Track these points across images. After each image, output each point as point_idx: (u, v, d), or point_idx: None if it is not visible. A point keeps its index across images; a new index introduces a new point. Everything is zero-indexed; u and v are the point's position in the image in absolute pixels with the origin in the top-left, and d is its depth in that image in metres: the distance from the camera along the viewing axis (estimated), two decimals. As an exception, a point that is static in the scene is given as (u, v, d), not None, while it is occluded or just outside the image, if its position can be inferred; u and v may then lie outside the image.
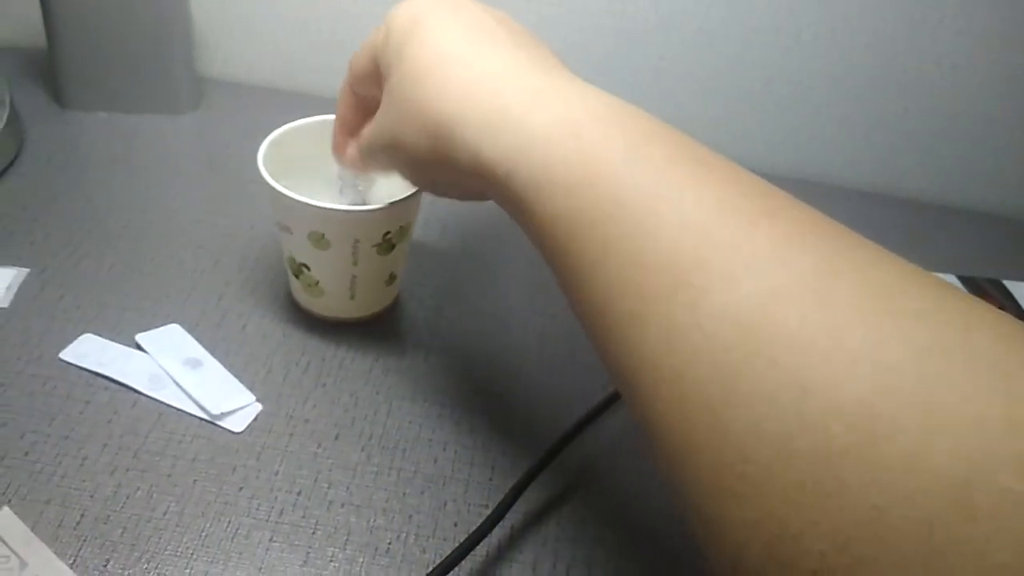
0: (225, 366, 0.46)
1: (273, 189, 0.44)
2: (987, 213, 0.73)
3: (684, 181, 0.28)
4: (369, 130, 0.40)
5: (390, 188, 0.46)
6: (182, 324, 0.48)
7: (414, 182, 0.41)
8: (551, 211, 0.30)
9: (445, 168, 0.34)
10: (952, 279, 0.55)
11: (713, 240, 0.26)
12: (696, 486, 0.25)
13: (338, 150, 0.46)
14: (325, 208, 0.43)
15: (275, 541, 0.39)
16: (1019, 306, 0.53)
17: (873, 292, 0.24)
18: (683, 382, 0.25)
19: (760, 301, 0.24)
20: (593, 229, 0.28)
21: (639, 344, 0.27)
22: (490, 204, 0.35)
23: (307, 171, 0.48)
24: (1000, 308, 0.52)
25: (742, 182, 0.28)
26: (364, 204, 0.47)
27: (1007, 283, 0.55)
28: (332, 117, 0.49)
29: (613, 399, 0.46)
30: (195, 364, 0.46)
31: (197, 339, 0.48)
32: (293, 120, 0.49)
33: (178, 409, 0.44)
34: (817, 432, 0.22)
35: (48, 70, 0.65)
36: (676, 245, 0.26)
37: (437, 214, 0.60)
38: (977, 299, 0.24)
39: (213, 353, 0.47)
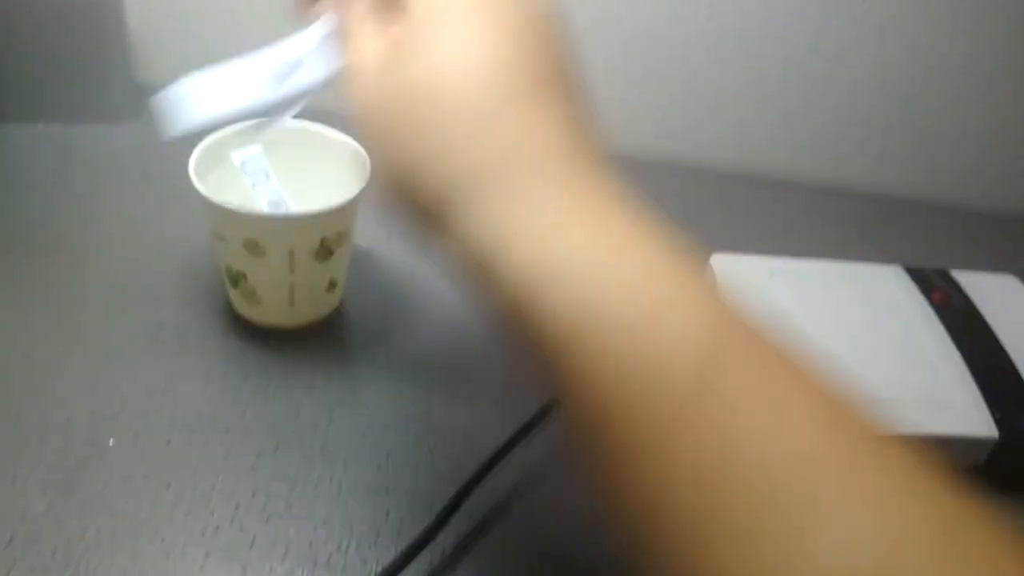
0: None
1: (205, 197, 0.43)
2: (933, 203, 0.73)
3: (766, 395, 0.23)
4: (367, 78, 0.30)
5: (314, 183, 0.45)
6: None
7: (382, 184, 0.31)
8: (602, 389, 0.24)
9: (446, 237, 0.28)
10: (899, 270, 0.54)
11: (816, 475, 0.22)
12: None
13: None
14: (257, 215, 0.42)
15: (211, 558, 0.38)
16: (966, 296, 0.53)
17: None
18: None
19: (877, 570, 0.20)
20: (655, 429, 0.23)
21: (703, 546, 0.22)
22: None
23: (242, 177, 0.47)
24: (947, 297, 0.52)
25: (825, 404, 0.23)
26: (279, 197, 0.45)
27: (954, 272, 0.54)
28: (264, 121, 0.48)
29: (551, 407, 0.45)
30: None
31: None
32: (229, 125, 0.48)
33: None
34: None
35: (-18, 81, 0.64)
36: (766, 457, 0.22)
37: (381, 219, 0.59)
38: None
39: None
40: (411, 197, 0.29)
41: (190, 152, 0.45)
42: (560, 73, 0.29)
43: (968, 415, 0.45)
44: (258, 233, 0.43)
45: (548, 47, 0.29)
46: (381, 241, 0.58)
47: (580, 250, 0.25)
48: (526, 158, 0.27)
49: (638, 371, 0.23)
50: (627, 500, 0.25)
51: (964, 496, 0.22)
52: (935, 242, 0.67)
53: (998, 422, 0.44)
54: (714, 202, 0.66)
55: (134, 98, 0.67)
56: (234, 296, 0.49)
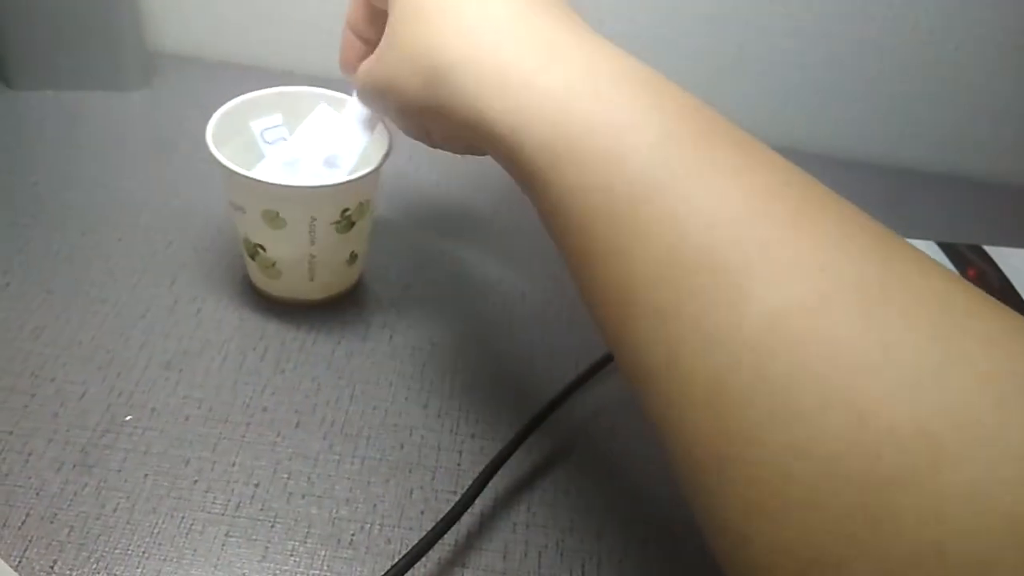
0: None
1: (222, 166, 0.41)
2: (966, 178, 0.72)
3: (719, 165, 0.25)
4: (364, 68, 0.36)
5: (333, 151, 0.44)
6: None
7: (405, 130, 0.37)
8: (567, 183, 0.27)
9: (440, 119, 0.31)
10: (932, 246, 0.53)
11: (756, 236, 0.23)
12: (724, 500, 0.23)
13: (346, 65, 0.41)
14: (278, 185, 0.41)
15: (231, 536, 0.37)
16: (1000, 272, 0.51)
17: (932, 308, 0.21)
18: (721, 389, 0.23)
19: (808, 309, 0.22)
20: (618, 210, 0.25)
21: (670, 343, 0.24)
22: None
23: (260, 145, 0.45)
24: (982, 274, 0.51)
25: (780, 169, 0.26)
26: (296, 164, 0.44)
27: (988, 248, 0.53)
28: (283, 89, 0.47)
29: (582, 381, 0.44)
30: None
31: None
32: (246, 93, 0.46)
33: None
34: (869, 456, 0.20)
35: (-9, 48, 0.62)
36: (715, 238, 0.24)
37: (402, 189, 0.58)
38: None
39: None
40: (416, 81, 0.32)
41: (204, 121, 0.44)
42: None
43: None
44: (277, 203, 0.42)
45: None
46: (401, 212, 0.56)
47: (546, 92, 0.28)
48: (489, 38, 0.29)
49: (601, 160, 0.26)
50: (601, 285, 0.27)
51: (896, 240, 0.24)
52: (969, 217, 0.66)
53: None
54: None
55: (146, 66, 0.65)
56: (252, 269, 0.47)
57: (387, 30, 0.33)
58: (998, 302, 0.22)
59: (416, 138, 0.37)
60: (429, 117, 0.32)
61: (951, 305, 0.22)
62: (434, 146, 0.37)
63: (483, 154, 0.33)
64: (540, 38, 0.29)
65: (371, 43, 0.39)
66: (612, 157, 0.26)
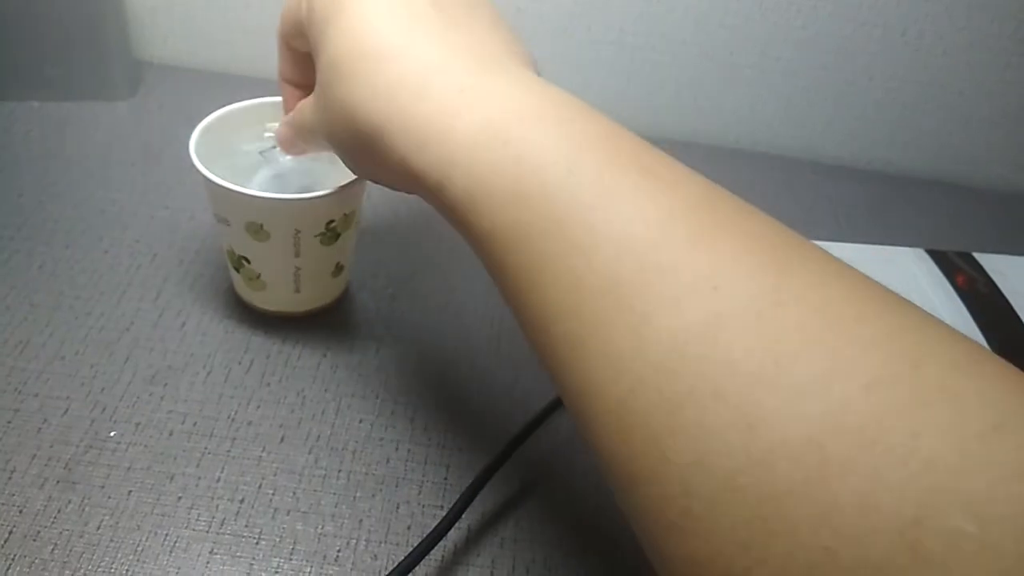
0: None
1: (206, 178, 0.41)
2: (956, 184, 0.72)
3: (624, 193, 0.26)
4: (302, 115, 0.37)
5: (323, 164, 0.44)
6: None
7: (354, 172, 0.38)
8: (487, 225, 0.28)
9: (378, 168, 0.32)
10: (921, 253, 0.53)
11: (654, 260, 0.24)
12: (642, 517, 0.24)
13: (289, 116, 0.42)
14: (261, 197, 0.41)
15: (216, 553, 0.37)
16: (989, 279, 0.51)
17: (822, 317, 0.22)
18: (627, 412, 0.23)
19: (704, 328, 0.23)
20: (529, 245, 0.26)
21: (582, 368, 0.25)
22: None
23: (247, 158, 0.45)
24: (971, 281, 0.51)
25: (689, 191, 0.26)
26: (282, 174, 0.44)
27: (978, 256, 0.53)
28: (268, 100, 0.46)
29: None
30: None
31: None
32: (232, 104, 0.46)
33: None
34: (764, 469, 0.21)
35: (-26, 58, 0.62)
36: (616, 265, 0.24)
37: (388, 198, 0.58)
38: (933, 318, 0.22)
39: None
40: (348, 139, 0.33)
41: (190, 130, 0.43)
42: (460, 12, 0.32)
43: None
44: (261, 216, 0.42)
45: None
46: (387, 221, 0.56)
47: (461, 141, 0.28)
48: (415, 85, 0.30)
49: (511, 199, 0.27)
50: (525, 317, 0.28)
51: (800, 249, 0.24)
52: (959, 223, 0.66)
53: None
54: (729, 182, 0.64)
55: (132, 75, 0.65)
56: (237, 281, 0.47)
57: (317, 84, 0.34)
58: (898, 299, 0.23)
59: (364, 178, 0.39)
60: (366, 164, 0.33)
61: (843, 312, 0.22)
62: (382, 185, 0.37)
63: None
64: (456, 87, 0.29)
65: (308, 87, 0.39)
66: (520, 197, 0.27)
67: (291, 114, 0.40)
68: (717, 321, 0.23)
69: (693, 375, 0.22)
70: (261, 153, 0.45)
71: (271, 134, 0.45)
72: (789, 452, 0.20)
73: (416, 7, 0.32)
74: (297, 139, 0.39)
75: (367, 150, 0.32)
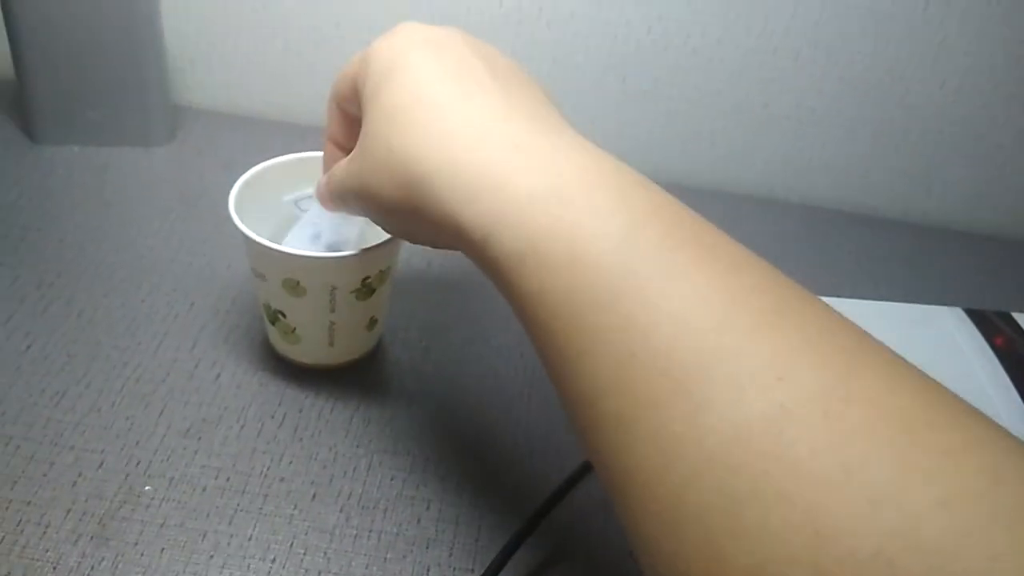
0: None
1: (244, 235, 0.42)
2: (994, 238, 0.71)
3: (684, 270, 0.25)
4: (341, 170, 0.37)
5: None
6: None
7: (386, 229, 0.38)
8: (535, 287, 0.27)
9: (416, 220, 0.32)
10: (959, 313, 0.52)
11: (716, 345, 0.23)
12: None
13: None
14: (298, 255, 0.41)
15: (247, 615, 0.37)
16: (1030, 340, 0.51)
17: (892, 421, 0.21)
18: (680, 503, 0.22)
19: (768, 422, 0.21)
20: (581, 315, 0.25)
21: (629, 450, 0.24)
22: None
23: (285, 211, 0.46)
24: (1011, 342, 0.50)
25: (748, 272, 0.25)
26: (319, 231, 0.44)
27: (1017, 316, 0.52)
28: (308, 155, 0.47)
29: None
30: None
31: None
32: (272, 152, 0.46)
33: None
34: None
35: (17, 103, 0.63)
36: (674, 346, 0.23)
37: (421, 250, 0.58)
38: (1006, 432, 0.21)
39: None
40: (391, 189, 0.32)
41: (228, 176, 0.44)
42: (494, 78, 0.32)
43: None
44: (298, 273, 0.42)
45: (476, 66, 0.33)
46: (420, 273, 0.56)
47: (514, 198, 0.28)
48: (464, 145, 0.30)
49: (564, 265, 0.26)
50: (569, 388, 0.27)
51: (866, 345, 0.23)
52: (995, 279, 0.65)
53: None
54: (762, 232, 0.64)
55: (171, 121, 0.66)
56: (272, 333, 0.47)
57: (362, 135, 0.34)
58: (969, 408, 0.22)
59: (396, 235, 0.39)
60: (405, 219, 0.33)
61: (914, 418, 0.21)
62: (414, 242, 0.37)
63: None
64: (512, 144, 0.29)
65: (351, 151, 0.39)
66: (574, 262, 0.26)
67: (329, 172, 0.40)
68: (782, 414, 0.21)
69: (755, 472, 0.21)
70: (296, 203, 0.46)
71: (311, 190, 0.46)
72: (855, 563, 0.19)
73: (473, 70, 0.32)
74: (330, 199, 0.39)
75: (409, 201, 0.31)
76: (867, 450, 0.21)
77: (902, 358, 0.23)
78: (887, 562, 0.19)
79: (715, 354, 0.23)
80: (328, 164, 0.42)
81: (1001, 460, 0.21)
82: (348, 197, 0.36)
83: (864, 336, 0.24)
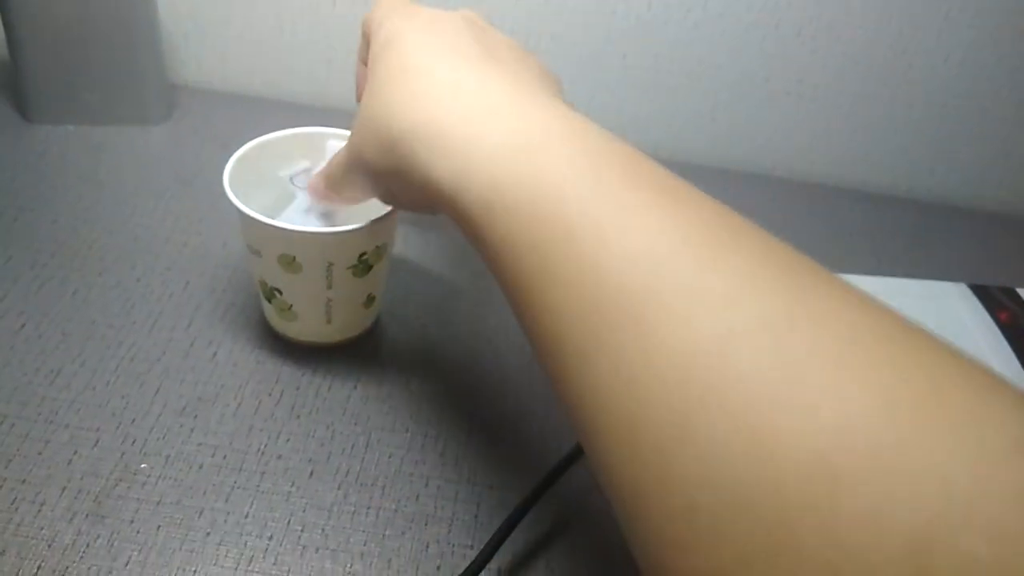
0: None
1: (239, 210, 0.41)
2: (999, 215, 0.70)
3: (640, 209, 0.26)
4: (341, 154, 0.38)
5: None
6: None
7: (380, 197, 0.38)
8: (500, 234, 0.28)
9: (399, 181, 0.33)
10: (963, 288, 0.52)
11: (668, 273, 0.24)
12: (645, 535, 0.24)
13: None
14: (294, 230, 0.40)
15: (244, 592, 0.36)
16: (1034, 315, 0.50)
17: (836, 336, 0.22)
18: (635, 426, 0.23)
19: (715, 344, 0.22)
20: (542, 256, 0.27)
21: (590, 382, 0.25)
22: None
23: (280, 188, 0.45)
24: (1015, 317, 0.49)
25: (702, 210, 0.26)
26: (315, 207, 0.44)
27: (1021, 291, 0.52)
28: (302, 130, 0.46)
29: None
30: None
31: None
32: (269, 130, 0.46)
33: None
34: (771, 485, 0.20)
35: (11, 82, 0.62)
36: (626, 279, 0.25)
37: (418, 226, 0.58)
38: (952, 347, 0.22)
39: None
40: (378, 150, 0.33)
41: (224, 155, 0.43)
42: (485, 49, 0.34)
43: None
44: (294, 249, 0.41)
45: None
46: (418, 250, 0.56)
47: (483, 153, 0.29)
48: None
49: (528, 213, 0.27)
50: (534, 329, 0.28)
51: (813, 271, 0.24)
52: (999, 255, 0.64)
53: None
54: (763, 209, 0.64)
55: (167, 99, 0.65)
56: (268, 311, 0.47)
57: (359, 107, 0.35)
58: (915, 327, 0.23)
59: (392, 204, 0.39)
60: (389, 181, 0.34)
61: (857, 334, 0.22)
62: (402, 208, 0.39)
63: (444, 212, 0.35)
64: (488, 104, 0.31)
65: None
66: (536, 208, 0.27)
67: (326, 164, 0.41)
68: (729, 337, 0.22)
69: (702, 390, 0.22)
70: (291, 179, 0.45)
71: (308, 169, 0.45)
72: (798, 471, 0.20)
73: (460, 38, 0.34)
74: (328, 188, 0.40)
75: (391, 162, 0.33)
76: (809, 364, 0.21)
77: (851, 284, 0.24)
78: (827, 462, 0.20)
79: (667, 283, 0.24)
80: (361, 85, 0.43)
81: (943, 369, 0.21)
82: (343, 176, 0.38)
83: (814, 265, 0.25)
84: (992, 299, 0.51)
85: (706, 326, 0.23)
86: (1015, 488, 0.19)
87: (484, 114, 0.30)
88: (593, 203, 0.26)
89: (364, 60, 0.43)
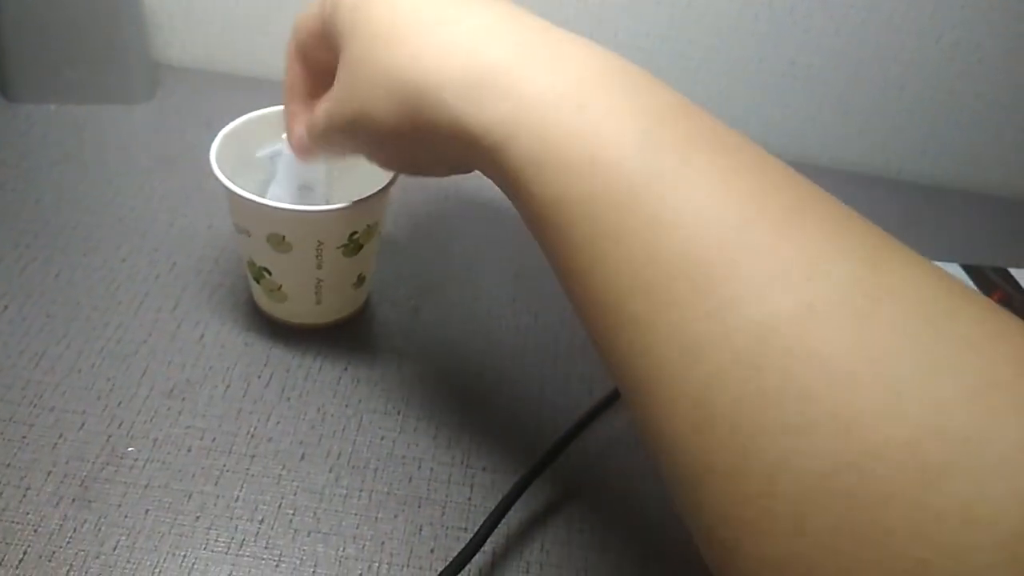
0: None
1: (227, 189, 0.40)
2: (991, 196, 0.70)
3: (707, 169, 0.24)
4: (324, 108, 0.35)
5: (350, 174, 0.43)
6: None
7: (384, 163, 0.36)
8: (552, 193, 0.26)
9: (422, 141, 0.30)
10: (956, 268, 0.52)
11: (741, 242, 0.23)
12: (711, 512, 0.23)
13: (299, 136, 0.40)
14: (284, 208, 0.40)
15: (235, 576, 0.36)
16: (1027, 295, 0.50)
17: (921, 314, 0.21)
18: (704, 402, 0.22)
19: (796, 319, 0.21)
20: (601, 218, 0.25)
21: (651, 351, 0.24)
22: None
23: (267, 166, 0.44)
24: (1008, 298, 0.49)
25: (769, 170, 0.25)
26: (305, 184, 0.43)
27: (1014, 272, 0.52)
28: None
29: (599, 410, 0.42)
30: None
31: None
32: (254, 109, 0.45)
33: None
34: (858, 472, 0.19)
35: (-8, 59, 0.61)
36: (697, 245, 0.23)
37: (408, 207, 0.57)
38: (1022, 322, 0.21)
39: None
40: (387, 109, 0.31)
41: (209, 135, 0.42)
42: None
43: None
44: (283, 227, 0.41)
45: None
46: (408, 230, 0.55)
47: (529, 102, 0.27)
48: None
49: (584, 168, 0.25)
50: (587, 296, 0.26)
51: (887, 242, 0.23)
52: (991, 236, 0.64)
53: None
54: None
55: (151, 78, 0.64)
56: (257, 292, 0.46)
57: (345, 65, 0.32)
58: (989, 301, 0.22)
59: (394, 169, 0.37)
60: (408, 141, 0.31)
61: (939, 311, 0.21)
62: (415, 174, 0.36)
63: (469, 171, 0.32)
64: (517, 43, 0.28)
65: (310, 102, 0.38)
66: (595, 165, 0.25)
67: (307, 118, 0.38)
68: (808, 313, 0.21)
69: (780, 370, 0.21)
70: (271, 158, 0.44)
71: (282, 144, 0.44)
72: (885, 457, 0.19)
73: None
74: (313, 143, 0.37)
75: (411, 120, 0.30)
76: (891, 345, 0.20)
77: (922, 257, 0.23)
78: (917, 450, 0.19)
79: (739, 252, 0.23)
80: (293, 117, 0.40)
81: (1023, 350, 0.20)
82: (336, 135, 0.35)
83: (884, 234, 0.24)
84: (985, 279, 0.51)
85: (784, 301, 0.22)
86: None
87: (519, 55, 0.28)
88: (655, 162, 0.25)
89: (294, 89, 0.40)
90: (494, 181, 0.29)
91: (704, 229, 0.23)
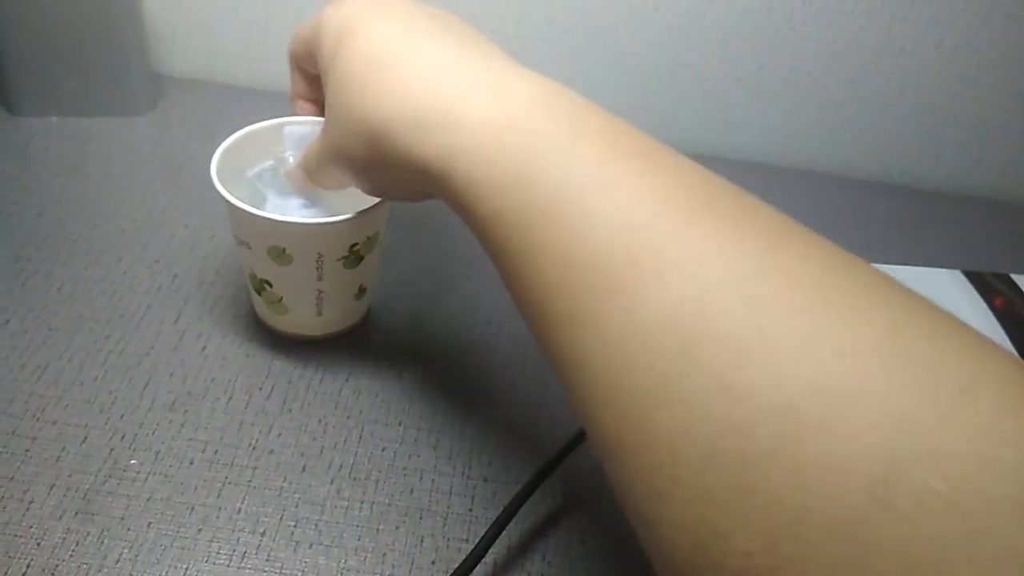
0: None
1: (227, 202, 0.40)
2: (991, 201, 0.70)
3: (619, 176, 0.27)
4: (314, 147, 0.38)
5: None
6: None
7: (369, 191, 0.38)
8: (489, 209, 0.29)
9: (386, 172, 0.33)
10: (958, 275, 0.51)
11: (645, 238, 0.25)
12: (631, 487, 0.25)
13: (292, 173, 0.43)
14: (284, 221, 0.40)
15: (237, 589, 0.36)
16: (1029, 301, 0.50)
17: (804, 288, 0.23)
18: (618, 388, 0.25)
19: (691, 303, 0.23)
20: (528, 227, 0.27)
21: (576, 346, 0.26)
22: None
23: (266, 179, 0.44)
24: (1010, 303, 0.49)
25: (681, 174, 0.27)
26: (308, 201, 0.43)
27: (1016, 277, 0.51)
28: (289, 119, 0.46)
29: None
30: None
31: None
32: (255, 120, 0.45)
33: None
34: (745, 435, 0.22)
35: (-6, 73, 0.61)
36: (608, 245, 0.25)
37: (409, 216, 0.57)
38: (915, 294, 0.23)
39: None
40: (357, 146, 0.34)
41: (211, 146, 0.43)
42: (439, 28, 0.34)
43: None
44: (284, 240, 0.41)
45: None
46: (408, 241, 0.55)
47: (466, 130, 0.29)
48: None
49: (513, 183, 0.28)
50: (524, 299, 0.28)
51: (786, 230, 0.25)
52: (992, 241, 0.64)
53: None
54: (761, 199, 0.63)
55: (152, 90, 0.64)
56: (258, 303, 0.46)
57: (328, 106, 0.36)
58: (883, 277, 0.24)
59: (376, 195, 0.39)
60: (374, 172, 0.35)
61: (826, 284, 0.23)
62: (392, 199, 0.40)
63: (432, 198, 0.35)
64: (466, 82, 0.31)
65: (321, 103, 0.41)
66: (521, 180, 0.28)
67: (302, 157, 0.41)
68: (704, 296, 0.23)
69: (680, 349, 0.23)
70: (259, 177, 0.44)
71: (271, 162, 0.45)
72: (768, 417, 0.21)
73: (424, 25, 0.34)
74: (310, 178, 0.40)
75: (376, 154, 0.33)
76: (779, 316, 0.22)
77: (826, 240, 0.25)
78: (794, 410, 0.21)
79: (644, 247, 0.25)
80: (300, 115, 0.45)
81: (902, 315, 0.22)
82: (325, 169, 0.37)
83: (789, 220, 0.26)
84: (987, 285, 0.51)
85: (682, 287, 0.24)
86: (970, 424, 0.20)
87: (466, 92, 0.30)
88: (576, 174, 0.27)
89: (299, 95, 0.44)
90: (450, 207, 0.32)
91: (615, 231, 0.25)
